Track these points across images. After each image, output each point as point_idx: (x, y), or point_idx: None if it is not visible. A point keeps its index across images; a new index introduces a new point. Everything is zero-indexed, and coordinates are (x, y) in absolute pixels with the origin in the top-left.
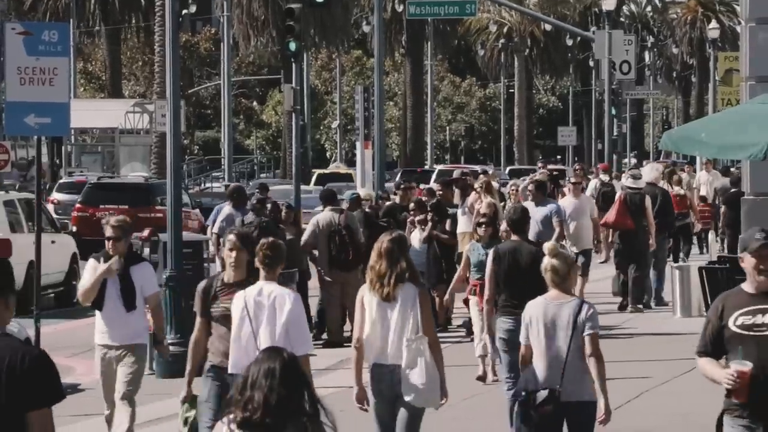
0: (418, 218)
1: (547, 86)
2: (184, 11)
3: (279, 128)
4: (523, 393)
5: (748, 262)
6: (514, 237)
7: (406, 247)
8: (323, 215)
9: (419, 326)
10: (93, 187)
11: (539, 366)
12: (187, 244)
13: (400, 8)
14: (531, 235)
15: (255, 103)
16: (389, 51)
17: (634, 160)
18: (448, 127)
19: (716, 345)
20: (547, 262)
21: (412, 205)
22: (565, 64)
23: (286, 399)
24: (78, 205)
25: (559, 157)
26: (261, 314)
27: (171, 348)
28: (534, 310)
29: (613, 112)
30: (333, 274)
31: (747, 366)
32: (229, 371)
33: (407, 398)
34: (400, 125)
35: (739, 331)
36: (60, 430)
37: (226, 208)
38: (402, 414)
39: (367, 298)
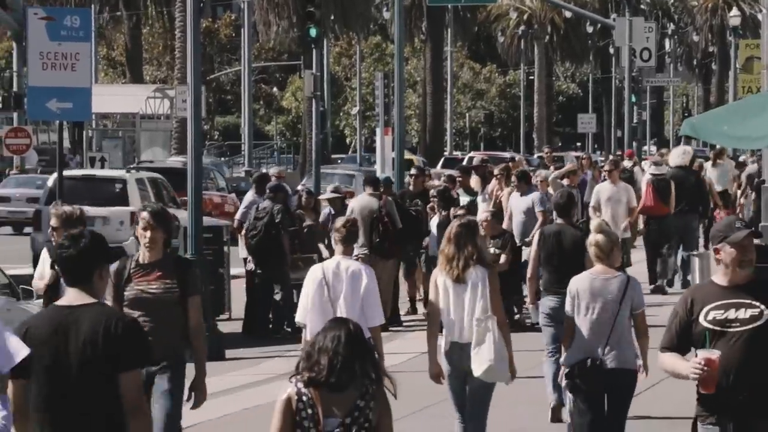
0: (429, 206)
1: (567, 73)
2: None
3: (299, 114)
4: (570, 364)
5: (727, 253)
6: (558, 220)
7: (476, 232)
8: (360, 200)
9: (488, 306)
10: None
11: (584, 337)
12: (207, 228)
13: None
14: (515, 226)
15: (275, 89)
16: (409, 37)
17: (654, 148)
18: (467, 114)
19: (683, 340)
20: (592, 237)
21: (432, 191)
22: (585, 51)
23: (349, 362)
24: None
25: (579, 144)
26: (339, 286)
27: None
28: (580, 284)
29: (633, 99)
30: (371, 260)
31: (715, 354)
32: (309, 339)
33: (477, 374)
34: (420, 112)
35: (710, 326)
36: None
37: (249, 195)
38: (472, 389)
39: (440, 280)
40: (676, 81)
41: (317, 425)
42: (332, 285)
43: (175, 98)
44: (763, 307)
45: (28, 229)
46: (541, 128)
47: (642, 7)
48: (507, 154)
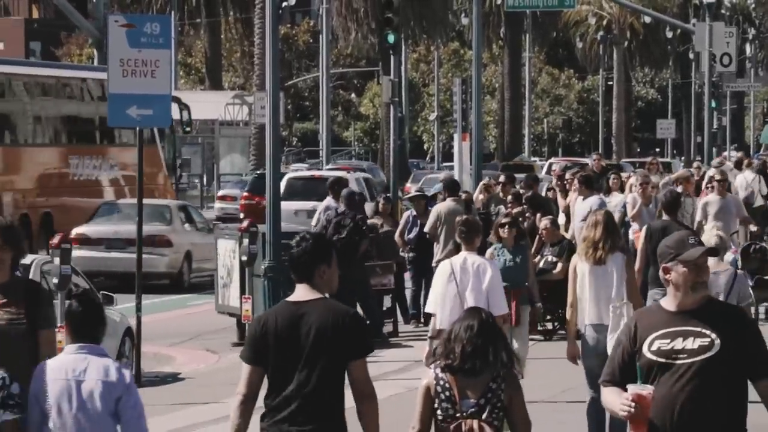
0: (515, 211)
1: (646, 78)
2: (284, 3)
3: (377, 120)
4: None
5: (679, 274)
6: (665, 217)
7: (615, 221)
8: (445, 205)
9: (624, 292)
10: (258, 177)
11: None
12: (286, 235)
13: (498, 0)
14: (576, 231)
15: (353, 95)
16: (487, 43)
17: (734, 153)
18: (545, 120)
19: (626, 373)
20: (705, 236)
21: (509, 197)
22: (664, 57)
23: (481, 349)
24: (245, 194)
25: (657, 149)
26: (466, 279)
27: None
28: None
29: (713, 104)
30: None
31: (647, 389)
32: (438, 327)
33: None
34: (498, 117)
35: (654, 357)
36: (160, 418)
37: (327, 200)
38: None
39: (579, 266)
40: (756, 86)
41: (454, 406)
42: (460, 279)
43: (254, 104)
44: (714, 336)
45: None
46: (619, 134)
47: (722, 11)
48: (586, 160)
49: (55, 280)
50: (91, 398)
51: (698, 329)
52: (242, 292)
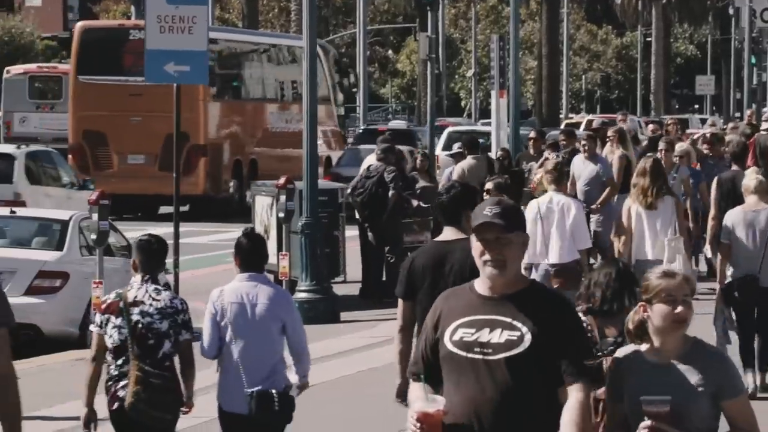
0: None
1: (685, 34)
2: None
3: (414, 77)
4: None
5: (474, 248)
6: (734, 167)
7: (663, 168)
8: (467, 163)
9: (676, 229)
10: (363, 132)
11: (741, 260)
12: (322, 191)
13: None
14: (579, 193)
15: (390, 52)
16: None
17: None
18: (583, 76)
19: (432, 365)
20: (746, 180)
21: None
22: (704, 12)
23: (618, 293)
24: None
25: (696, 106)
26: (552, 217)
27: (306, 295)
28: (734, 216)
29: (753, 60)
30: None
31: (435, 405)
32: (527, 261)
33: None
34: (535, 74)
35: (455, 349)
36: (199, 374)
37: (370, 158)
38: None
39: (633, 209)
40: None
41: (595, 345)
42: (545, 217)
43: None
44: (524, 329)
45: None
46: (658, 90)
47: None
48: (636, 117)
49: (94, 236)
50: (262, 318)
51: (508, 320)
52: (279, 248)
